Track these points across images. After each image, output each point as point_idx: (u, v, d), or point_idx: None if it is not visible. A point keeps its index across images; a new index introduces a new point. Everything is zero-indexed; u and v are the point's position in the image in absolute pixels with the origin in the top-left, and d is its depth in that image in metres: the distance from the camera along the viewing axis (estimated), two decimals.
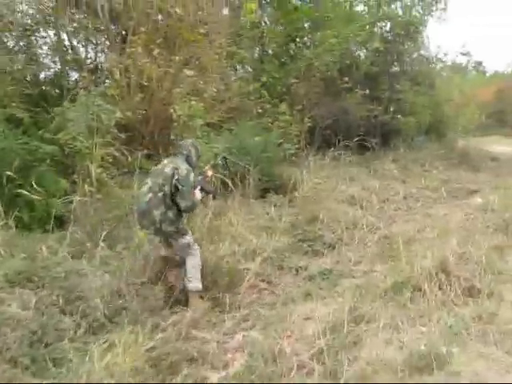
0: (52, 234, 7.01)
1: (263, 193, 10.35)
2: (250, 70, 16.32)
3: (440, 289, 5.51)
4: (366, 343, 4.65)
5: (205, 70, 11.79)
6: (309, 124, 14.59)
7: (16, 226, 6.91)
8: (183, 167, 5.78)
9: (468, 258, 6.43)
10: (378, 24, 18.25)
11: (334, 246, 7.86)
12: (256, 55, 16.85)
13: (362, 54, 18.46)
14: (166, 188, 5.69)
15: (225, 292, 5.96)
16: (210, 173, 6.49)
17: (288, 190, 10.41)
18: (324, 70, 15.84)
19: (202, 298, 5.87)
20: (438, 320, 4.95)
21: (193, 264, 5.82)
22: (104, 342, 4.61)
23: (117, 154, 8.30)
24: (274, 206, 9.77)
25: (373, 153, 15.65)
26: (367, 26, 17.45)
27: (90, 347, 4.49)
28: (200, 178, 6.22)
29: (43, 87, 11.42)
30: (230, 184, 9.13)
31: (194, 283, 5.75)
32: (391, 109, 17.23)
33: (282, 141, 11.57)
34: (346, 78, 16.02)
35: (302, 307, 5.61)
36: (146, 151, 10.22)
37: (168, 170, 5.78)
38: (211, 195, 7.02)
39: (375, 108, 16.66)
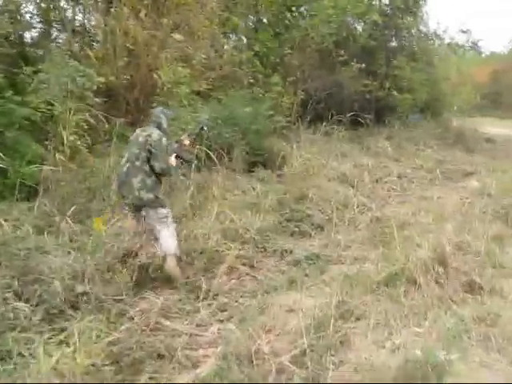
0: (20, 203, 6.42)
1: (251, 167, 9.76)
2: (242, 38, 15.58)
3: (437, 282, 4.98)
4: (354, 344, 4.13)
5: (195, 36, 11.11)
6: (301, 97, 13.91)
7: None
8: (155, 133, 5.82)
9: (466, 248, 5.91)
10: None
11: (323, 228, 7.33)
12: (250, 23, 16.07)
13: (360, 26, 17.66)
14: (142, 155, 5.70)
15: (201, 275, 5.42)
16: (186, 141, 6.43)
17: (276, 165, 9.83)
18: (319, 42, 15.06)
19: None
20: (434, 320, 4.40)
21: (169, 234, 5.64)
22: (61, 332, 4.04)
23: (92, 120, 7.59)
24: (261, 181, 9.19)
25: (366, 129, 15.00)
26: None
27: (43, 339, 3.90)
28: (176, 145, 6.22)
29: (25, 48, 10.66)
30: (214, 156, 8.49)
31: (172, 246, 5.57)
32: (387, 85, 16.50)
33: (272, 113, 10.90)
34: (342, 51, 15.35)
35: (285, 297, 5.04)
36: (128, 119, 9.63)
37: (141, 138, 5.80)
38: (188, 164, 7.08)
39: (371, 83, 15.94)
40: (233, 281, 5.53)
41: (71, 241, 5.49)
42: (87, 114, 7.57)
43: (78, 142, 7.01)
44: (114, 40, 9.77)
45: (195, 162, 7.71)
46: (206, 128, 6.92)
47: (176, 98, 8.78)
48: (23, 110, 7.50)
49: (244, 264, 5.86)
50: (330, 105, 14.83)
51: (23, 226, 5.61)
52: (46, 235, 5.50)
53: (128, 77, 9.98)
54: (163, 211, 5.71)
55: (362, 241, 6.75)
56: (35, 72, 7.85)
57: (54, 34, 11.09)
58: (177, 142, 6.29)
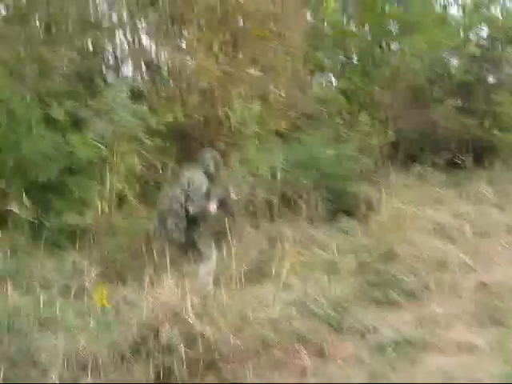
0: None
1: (332, 215, 8.40)
2: (328, 75, 14.39)
3: None
4: None
5: (274, 73, 10.00)
6: (392, 137, 12.46)
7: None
8: (198, 177, 5.70)
9: None
10: (475, 28, 15.73)
11: (416, 295, 5.81)
12: (336, 60, 14.86)
13: (455, 61, 15.99)
14: (180, 197, 5.61)
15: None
16: (234, 196, 6.15)
17: (362, 214, 8.43)
18: (411, 79, 13.67)
19: None
20: None
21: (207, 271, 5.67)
22: None
23: (140, 165, 6.54)
24: (344, 232, 7.82)
25: (464, 172, 13.18)
26: (462, 31, 15.09)
27: None
28: (223, 192, 5.98)
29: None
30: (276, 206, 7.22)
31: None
32: (487, 123, 14.66)
33: (358, 154, 9.52)
34: (436, 88, 13.86)
35: None
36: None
37: (184, 179, 5.73)
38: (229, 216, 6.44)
39: (468, 121, 14.20)
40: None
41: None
42: (138, 158, 6.51)
43: (127, 191, 5.96)
44: (185, 76, 8.83)
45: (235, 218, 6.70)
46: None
47: (248, 139, 7.64)
48: (82, 151, 6.58)
49: (308, 351, 4.39)
50: (424, 145, 13.28)
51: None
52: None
53: (200, 117, 8.98)
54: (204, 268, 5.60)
55: (466, 316, 5.21)
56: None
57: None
58: (226, 189, 6.04)
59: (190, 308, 4.15)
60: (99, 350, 3.65)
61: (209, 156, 5.94)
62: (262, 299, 4.88)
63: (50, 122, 7.25)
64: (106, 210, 5.50)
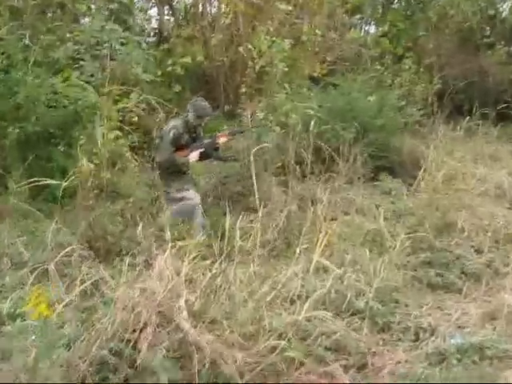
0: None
1: (374, 174, 7.07)
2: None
3: None
4: None
5: (308, 10, 8.53)
6: (438, 86, 10.86)
7: None
8: (170, 124, 5.38)
9: None
10: None
11: (480, 278, 4.50)
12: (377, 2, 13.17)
13: (508, 2, 14.10)
14: None
15: None
16: (222, 139, 5.54)
17: (409, 173, 7.06)
18: (460, 22, 11.97)
19: None
20: None
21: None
22: None
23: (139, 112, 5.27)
24: (388, 195, 6.51)
25: None
26: None
27: None
28: (207, 141, 5.51)
29: None
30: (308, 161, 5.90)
31: None
32: None
33: (403, 103, 8.03)
34: (487, 32, 12.14)
35: None
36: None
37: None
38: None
39: None
40: None
41: None
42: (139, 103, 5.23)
43: (121, 141, 4.71)
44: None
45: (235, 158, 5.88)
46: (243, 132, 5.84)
47: (276, 83, 6.26)
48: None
49: (347, 367, 3.13)
50: (472, 96, 11.68)
51: None
52: None
53: (224, 58, 7.65)
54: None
55: None
56: None
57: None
58: (211, 136, 5.61)
59: (183, 305, 2.93)
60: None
61: (191, 104, 5.44)
62: (285, 288, 3.62)
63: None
64: (93, 166, 4.27)
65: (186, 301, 3.02)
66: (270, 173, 5.91)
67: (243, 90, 6.61)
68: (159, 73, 7.18)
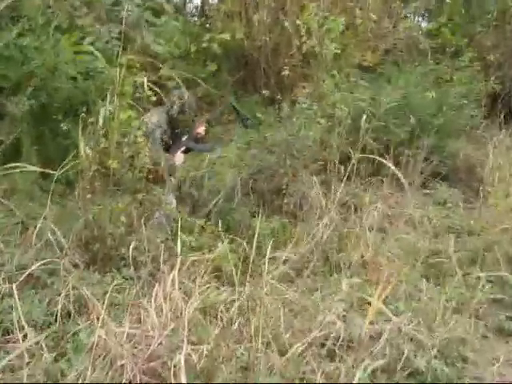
0: None
1: (426, 180, 6.00)
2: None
3: None
4: None
5: None
6: (494, 86, 9.62)
7: None
8: (154, 121, 4.81)
9: None
10: None
11: None
12: None
13: None
14: None
15: None
16: (200, 129, 5.35)
17: (464, 182, 6.00)
18: None
19: None
20: None
21: None
22: None
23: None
24: (443, 206, 5.48)
25: None
26: None
27: None
28: (185, 138, 5.15)
29: None
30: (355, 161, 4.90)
31: None
32: None
33: (465, 102, 6.86)
34: None
35: None
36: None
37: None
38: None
39: None
40: None
41: None
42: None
43: (135, 123, 3.75)
44: None
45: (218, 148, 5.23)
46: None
47: (325, 68, 5.23)
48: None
49: None
50: None
51: None
52: None
53: (267, 38, 6.64)
54: None
55: None
56: None
57: None
58: (187, 131, 5.18)
59: (182, 363, 2.00)
60: None
61: (176, 93, 5.11)
62: (321, 333, 2.67)
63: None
64: (96, 153, 3.34)
65: (188, 356, 2.09)
66: (309, 171, 4.90)
67: (286, 72, 5.61)
68: (193, 49, 6.22)
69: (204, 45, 5.93)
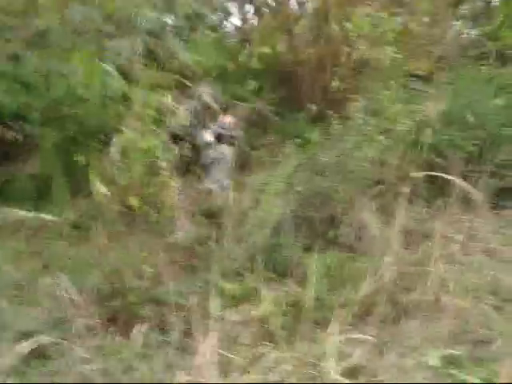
0: None
1: (497, 198, 5.16)
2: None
3: None
4: None
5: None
6: None
7: None
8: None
9: None
10: None
11: None
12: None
13: None
14: None
15: None
16: (227, 119, 5.04)
17: None
18: None
19: None
20: None
21: None
22: None
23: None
24: None
25: None
26: None
27: None
28: (215, 127, 4.98)
29: None
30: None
31: None
32: None
33: None
34: None
35: None
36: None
37: None
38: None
39: None
40: None
41: None
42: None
43: (158, 154, 3.07)
44: None
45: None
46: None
47: (379, 79, 4.49)
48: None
49: None
50: None
51: None
52: None
53: (311, 50, 5.97)
54: None
55: None
56: None
57: None
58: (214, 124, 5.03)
59: None
60: None
61: (205, 86, 4.97)
62: None
63: None
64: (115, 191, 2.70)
65: None
66: (367, 196, 4.17)
67: (335, 84, 4.91)
68: (231, 66, 5.61)
69: (241, 59, 5.30)
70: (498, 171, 5.26)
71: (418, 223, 4.32)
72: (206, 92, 5.00)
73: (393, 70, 4.77)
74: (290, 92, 6.56)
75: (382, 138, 4.12)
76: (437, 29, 7.55)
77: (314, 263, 3.55)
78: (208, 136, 5.00)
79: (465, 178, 4.90)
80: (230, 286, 2.99)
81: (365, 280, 3.53)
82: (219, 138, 5.05)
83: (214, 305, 2.25)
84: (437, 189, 4.77)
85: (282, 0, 6.77)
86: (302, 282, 3.57)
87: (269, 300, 3.03)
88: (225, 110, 5.41)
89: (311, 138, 4.84)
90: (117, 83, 3.46)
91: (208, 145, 4.98)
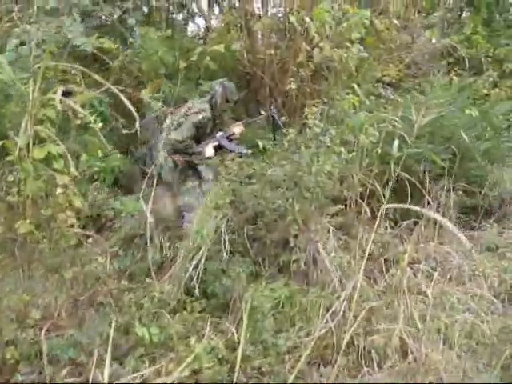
0: None
1: (467, 216, 4.64)
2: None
3: None
4: None
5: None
6: None
7: None
8: (197, 107, 4.37)
9: None
10: None
11: None
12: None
13: None
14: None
15: None
16: (236, 129, 4.57)
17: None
18: None
19: None
20: None
21: None
22: None
23: None
24: (493, 252, 4.13)
25: None
26: None
27: None
28: (220, 133, 4.53)
29: None
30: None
31: None
32: None
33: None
34: None
35: None
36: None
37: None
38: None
39: None
40: None
41: None
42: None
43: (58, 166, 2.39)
44: None
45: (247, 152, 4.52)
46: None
47: (342, 84, 3.89)
48: None
49: None
50: None
51: None
52: None
53: (271, 50, 5.37)
54: None
55: None
56: None
57: None
58: (221, 129, 4.55)
59: None
60: None
61: (220, 85, 4.45)
62: None
63: None
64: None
65: None
66: (326, 215, 3.58)
67: (292, 87, 4.31)
68: (182, 65, 4.96)
69: (193, 58, 4.68)
70: (470, 188, 4.78)
71: (383, 247, 3.75)
72: (219, 93, 4.48)
73: (358, 73, 4.19)
74: (248, 95, 5.97)
75: (342, 149, 3.54)
76: (407, 34, 7.07)
77: (258, 295, 2.95)
78: (208, 151, 4.46)
79: (435, 194, 4.42)
80: (152, 331, 2.35)
81: (319, 318, 2.95)
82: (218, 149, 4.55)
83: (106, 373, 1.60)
84: (404, 208, 4.24)
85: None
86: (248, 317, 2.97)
87: (200, 348, 2.41)
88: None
89: (265, 147, 4.25)
90: (6, 76, 2.76)
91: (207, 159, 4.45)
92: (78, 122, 2.57)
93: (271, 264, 3.47)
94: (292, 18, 3.78)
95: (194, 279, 3.07)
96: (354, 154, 3.63)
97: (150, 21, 5.72)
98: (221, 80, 4.65)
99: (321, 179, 3.49)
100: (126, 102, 2.63)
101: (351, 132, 3.57)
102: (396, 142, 3.52)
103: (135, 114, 2.67)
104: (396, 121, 3.61)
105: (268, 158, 4.01)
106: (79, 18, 4.09)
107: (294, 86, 4.29)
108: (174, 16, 7.11)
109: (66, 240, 2.28)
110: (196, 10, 7.85)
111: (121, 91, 3.12)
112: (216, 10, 8.36)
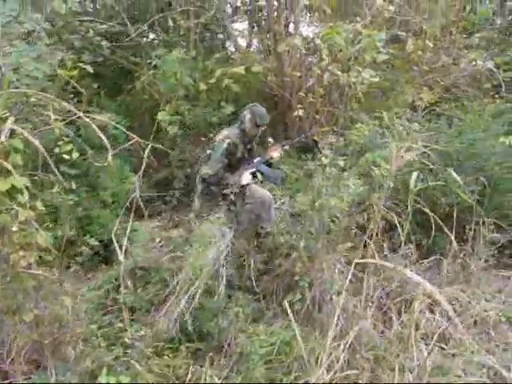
0: None
1: (504, 252, 4.26)
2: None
3: None
4: None
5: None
6: None
7: None
8: (222, 134, 4.26)
9: None
10: None
11: None
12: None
13: None
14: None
15: None
16: (274, 154, 4.42)
17: None
18: None
19: None
20: None
21: None
22: None
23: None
24: None
25: None
26: None
27: None
28: (258, 159, 4.38)
29: None
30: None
31: None
32: None
33: None
34: None
35: None
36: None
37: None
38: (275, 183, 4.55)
39: None
40: None
41: None
42: None
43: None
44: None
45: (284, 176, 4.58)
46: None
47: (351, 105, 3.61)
48: None
49: None
50: None
51: None
52: None
53: (297, 72, 5.16)
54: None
55: None
56: None
57: None
58: (259, 155, 4.41)
59: None
60: None
61: (249, 110, 4.25)
62: None
63: None
64: None
65: None
66: (336, 252, 3.31)
67: (298, 113, 4.08)
68: (202, 87, 4.79)
69: (211, 81, 4.50)
70: (501, 223, 4.37)
71: (399, 285, 3.43)
72: (247, 119, 4.27)
73: (375, 99, 3.88)
74: (277, 118, 5.74)
75: (359, 182, 3.25)
76: (445, 56, 6.70)
77: (255, 341, 2.71)
78: (245, 179, 4.27)
79: (463, 230, 4.06)
80: (119, 380, 2.13)
81: (316, 366, 2.67)
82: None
83: None
84: (426, 244, 3.91)
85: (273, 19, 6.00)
86: (240, 363, 2.73)
87: None
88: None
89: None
90: None
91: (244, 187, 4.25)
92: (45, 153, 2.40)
93: (273, 303, 3.22)
94: (318, 41, 3.53)
95: (187, 316, 2.85)
96: (367, 186, 3.33)
97: (174, 41, 5.61)
98: (251, 104, 4.44)
99: (331, 212, 3.23)
100: (98, 130, 2.46)
101: (368, 164, 3.28)
102: (415, 175, 3.23)
103: (108, 145, 2.49)
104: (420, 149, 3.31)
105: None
106: (47, 41, 3.94)
107: (300, 113, 4.05)
108: (204, 37, 6.99)
109: (20, 281, 2.10)
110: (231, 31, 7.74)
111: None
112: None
